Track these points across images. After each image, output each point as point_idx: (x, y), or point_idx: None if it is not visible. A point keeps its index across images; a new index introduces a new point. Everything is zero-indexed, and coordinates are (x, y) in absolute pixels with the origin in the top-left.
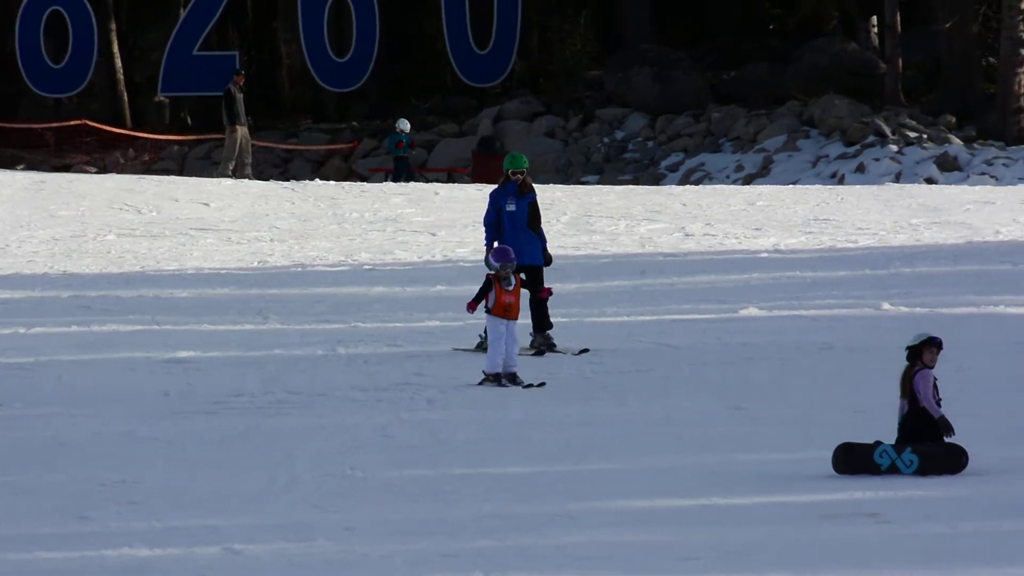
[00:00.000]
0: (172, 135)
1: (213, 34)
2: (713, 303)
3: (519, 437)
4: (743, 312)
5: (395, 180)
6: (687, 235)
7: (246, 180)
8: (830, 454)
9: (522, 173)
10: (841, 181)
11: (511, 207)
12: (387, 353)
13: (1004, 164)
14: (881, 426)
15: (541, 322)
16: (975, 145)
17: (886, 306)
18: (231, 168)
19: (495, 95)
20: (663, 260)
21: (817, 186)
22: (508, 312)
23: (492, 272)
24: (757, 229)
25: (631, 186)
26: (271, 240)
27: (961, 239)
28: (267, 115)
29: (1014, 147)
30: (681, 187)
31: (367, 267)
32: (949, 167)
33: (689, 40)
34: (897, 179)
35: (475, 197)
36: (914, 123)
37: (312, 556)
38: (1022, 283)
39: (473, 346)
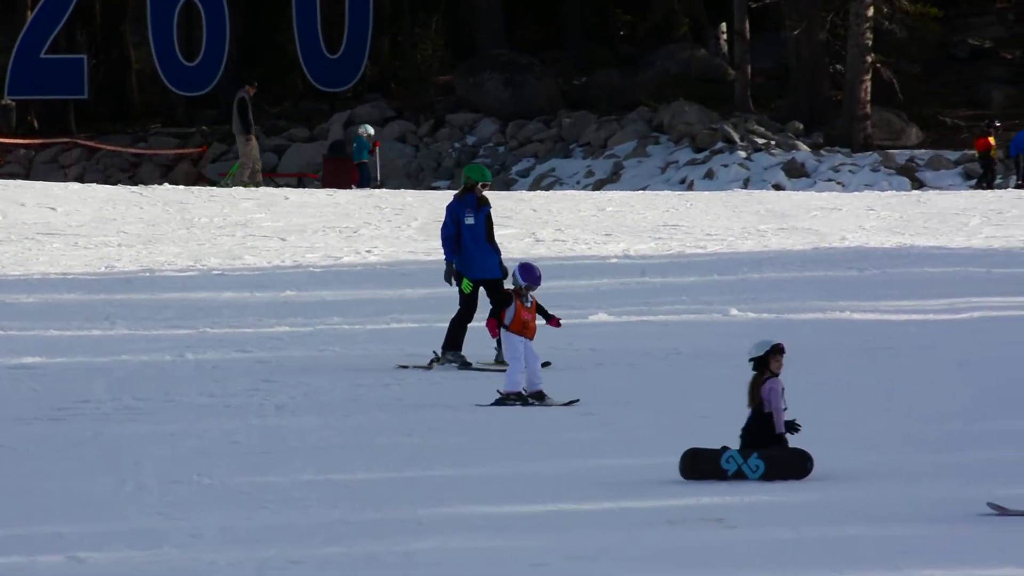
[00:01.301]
0: (19, 139)
1: (61, 37)
2: (563, 308)
3: (368, 443)
4: (593, 318)
5: (361, 186)
6: (538, 240)
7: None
8: (678, 460)
9: (486, 186)
10: (690, 187)
11: (470, 220)
12: (236, 359)
13: (850, 171)
14: (728, 432)
15: (455, 340)
16: (822, 152)
17: (734, 311)
18: (247, 176)
19: (346, 100)
20: (513, 266)
21: (666, 192)
22: (526, 329)
23: (513, 288)
24: (607, 235)
25: None
26: (119, 245)
27: (808, 245)
28: (116, 119)
29: (860, 154)
30: (532, 192)
31: (216, 272)
32: (796, 173)
33: (540, 46)
34: (745, 185)
35: (325, 202)
36: (762, 129)
37: (158, 564)
38: (868, 289)
39: (426, 363)
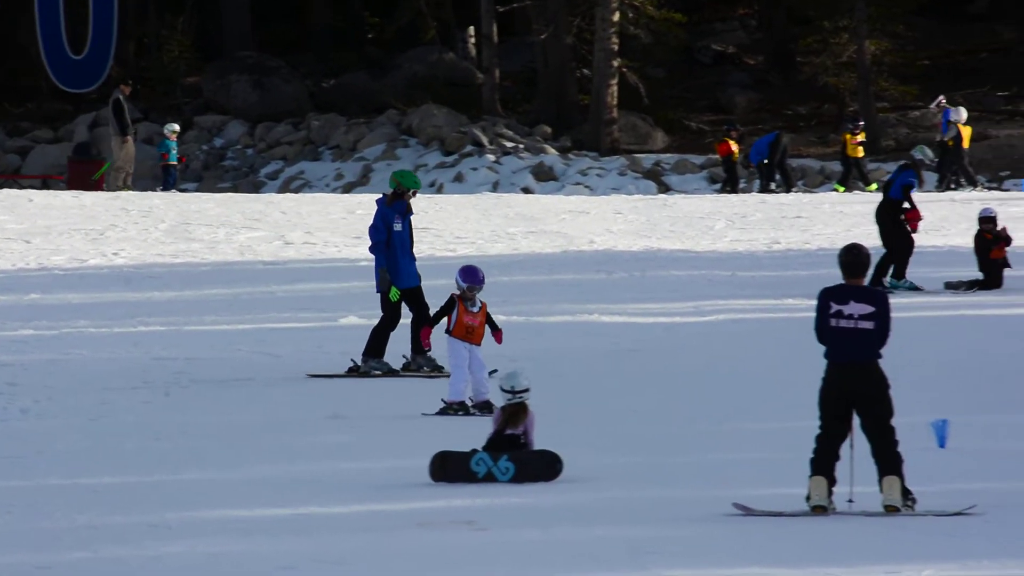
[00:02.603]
0: None
1: None
2: (313, 312)
3: (116, 447)
4: (343, 321)
5: (166, 188)
6: (287, 243)
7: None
8: (427, 462)
9: (415, 193)
10: (440, 190)
11: (398, 226)
12: None
13: (598, 174)
14: (479, 434)
15: (377, 348)
16: (570, 155)
17: None
18: (122, 180)
19: (91, 101)
20: (263, 268)
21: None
22: (470, 335)
23: (456, 292)
24: (357, 238)
25: (230, 194)
26: None
27: (557, 248)
28: None
29: (607, 158)
30: (281, 195)
31: None
32: (545, 177)
33: (288, 48)
34: (495, 188)
35: (71, 204)
36: (511, 133)
37: None
38: (616, 291)
39: (344, 371)
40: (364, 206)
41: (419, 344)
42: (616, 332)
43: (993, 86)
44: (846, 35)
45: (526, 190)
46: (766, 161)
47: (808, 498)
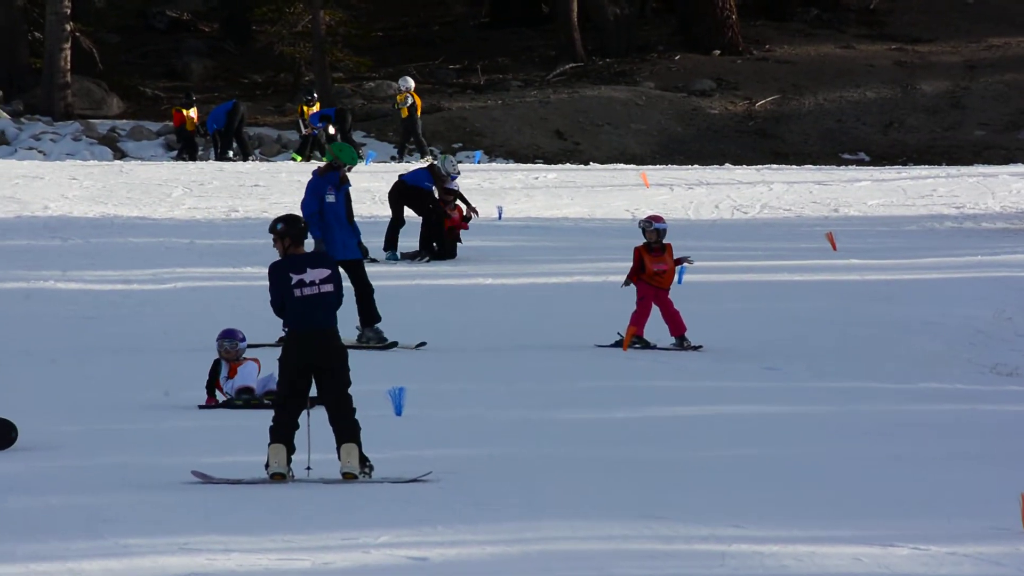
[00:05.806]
0: None
1: None
2: None
3: None
4: None
5: None
6: None
7: None
8: None
9: (350, 169)
10: None
11: (331, 198)
12: None
13: (52, 139)
14: None
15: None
16: (23, 120)
17: None
18: None
19: None
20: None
21: None
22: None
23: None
24: None
25: None
26: None
27: (10, 214)
28: None
29: (61, 123)
30: None
31: None
32: None
33: None
34: None
35: None
36: None
37: None
38: (71, 258)
39: (275, 340)
40: None
41: (369, 317)
42: (73, 299)
43: (445, 59)
44: (301, 5)
45: None
46: (223, 129)
47: (267, 465)
